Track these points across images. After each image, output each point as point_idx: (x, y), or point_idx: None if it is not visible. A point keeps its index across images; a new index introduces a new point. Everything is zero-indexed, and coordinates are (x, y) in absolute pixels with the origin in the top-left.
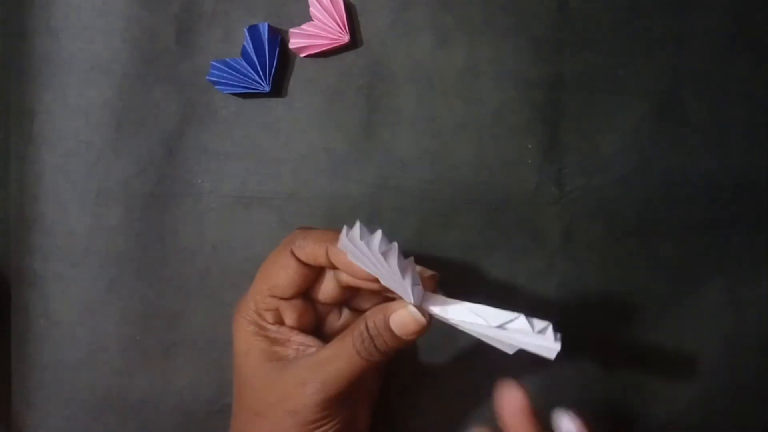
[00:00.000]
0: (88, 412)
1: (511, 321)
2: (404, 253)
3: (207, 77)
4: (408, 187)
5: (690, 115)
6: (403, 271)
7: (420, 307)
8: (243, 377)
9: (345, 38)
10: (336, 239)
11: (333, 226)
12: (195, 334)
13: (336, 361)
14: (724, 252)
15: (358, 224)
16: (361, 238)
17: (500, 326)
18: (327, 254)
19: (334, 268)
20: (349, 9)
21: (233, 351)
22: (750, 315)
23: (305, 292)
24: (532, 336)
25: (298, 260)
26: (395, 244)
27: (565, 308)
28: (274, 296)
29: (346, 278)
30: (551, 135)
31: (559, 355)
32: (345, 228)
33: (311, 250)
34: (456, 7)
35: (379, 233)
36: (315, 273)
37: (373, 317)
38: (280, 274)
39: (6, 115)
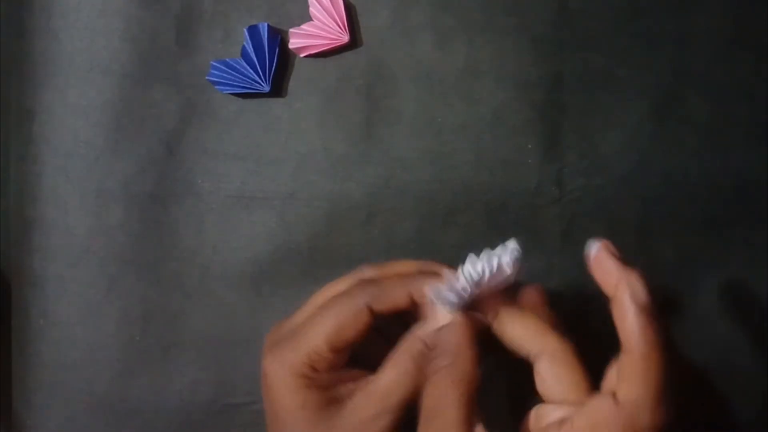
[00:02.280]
0: (88, 412)
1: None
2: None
3: (207, 77)
4: (408, 187)
5: (690, 114)
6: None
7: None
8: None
9: (345, 38)
10: (412, 281)
11: (333, 226)
12: (195, 334)
13: (399, 386)
14: (723, 252)
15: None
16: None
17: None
18: (409, 298)
19: (411, 307)
20: (349, 9)
21: (274, 404)
22: (750, 315)
23: None
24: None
25: (372, 314)
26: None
27: (566, 308)
28: (333, 348)
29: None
30: (551, 135)
31: None
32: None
33: (392, 300)
34: (456, 7)
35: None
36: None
37: (427, 333)
38: (349, 327)
39: (6, 115)
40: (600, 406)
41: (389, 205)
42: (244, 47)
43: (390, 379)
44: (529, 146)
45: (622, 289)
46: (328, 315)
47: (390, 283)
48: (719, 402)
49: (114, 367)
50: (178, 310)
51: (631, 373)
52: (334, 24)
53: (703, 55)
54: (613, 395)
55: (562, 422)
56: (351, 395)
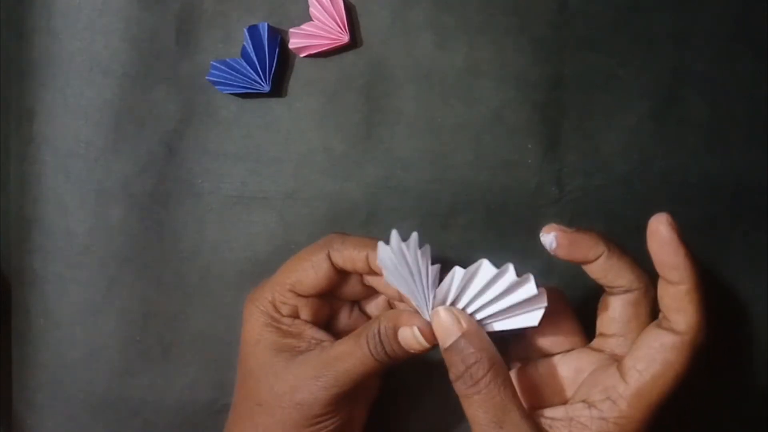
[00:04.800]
0: (88, 412)
1: (502, 275)
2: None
3: (207, 77)
4: (408, 187)
5: (690, 115)
6: (431, 281)
7: (429, 326)
8: (249, 367)
9: (345, 38)
10: (373, 245)
11: (333, 226)
12: (195, 334)
13: (350, 357)
14: (723, 252)
15: (395, 232)
16: (398, 244)
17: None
18: (367, 260)
19: (370, 274)
20: (349, 9)
21: (241, 339)
22: (750, 315)
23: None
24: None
25: (332, 264)
26: (427, 246)
27: None
28: (294, 292)
29: (372, 280)
30: (551, 135)
31: None
32: (381, 243)
33: (349, 254)
34: (456, 7)
35: (414, 235)
36: (342, 277)
37: (386, 323)
38: (308, 273)
39: (6, 115)
40: (658, 338)
41: (389, 205)
42: (244, 47)
43: (341, 350)
44: (529, 146)
45: (669, 225)
46: (294, 260)
47: (353, 240)
48: (719, 401)
49: (114, 367)
50: (178, 310)
51: (685, 303)
52: (334, 24)
53: (703, 55)
54: (662, 327)
55: (616, 356)
56: (305, 351)
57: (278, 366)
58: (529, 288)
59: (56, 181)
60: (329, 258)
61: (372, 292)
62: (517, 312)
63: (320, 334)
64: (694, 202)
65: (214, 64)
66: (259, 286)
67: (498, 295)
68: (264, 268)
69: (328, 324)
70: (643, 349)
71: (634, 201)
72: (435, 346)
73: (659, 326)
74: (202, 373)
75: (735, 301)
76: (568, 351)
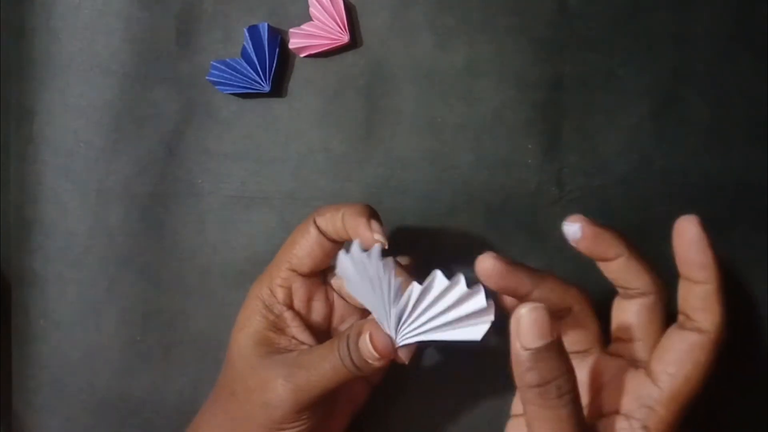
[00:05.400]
0: (88, 412)
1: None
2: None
3: (207, 77)
4: (408, 187)
5: (690, 115)
6: (393, 294)
7: (393, 341)
8: (232, 351)
9: (345, 38)
10: (351, 210)
11: None
12: (195, 334)
13: (322, 364)
14: (724, 252)
15: (356, 242)
16: (359, 254)
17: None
18: (343, 221)
19: (348, 238)
20: (349, 9)
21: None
22: (750, 315)
23: (322, 272)
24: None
25: (319, 230)
26: (390, 259)
27: None
28: (292, 269)
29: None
30: (551, 135)
31: None
32: (341, 252)
33: (330, 216)
34: (456, 7)
35: (377, 247)
36: (334, 248)
37: (354, 330)
38: (301, 242)
39: (6, 115)
40: (685, 339)
41: (389, 205)
42: (244, 47)
43: (315, 354)
44: (529, 146)
45: (698, 225)
46: (288, 239)
47: (335, 204)
48: (719, 401)
49: (114, 367)
50: (178, 310)
51: (712, 302)
52: (334, 24)
53: (703, 55)
54: (686, 328)
55: (635, 361)
56: (283, 351)
57: (254, 359)
58: (478, 300)
59: (56, 181)
60: (315, 224)
61: None
62: (462, 324)
63: (303, 336)
64: (694, 202)
65: (214, 64)
66: (264, 271)
67: (447, 306)
68: (264, 269)
69: (329, 331)
70: (671, 352)
71: (634, 201)
72: (390, 362)
73: (683, 328)
74: (202, 373)
75: (735, 301)
76: (584, 352)
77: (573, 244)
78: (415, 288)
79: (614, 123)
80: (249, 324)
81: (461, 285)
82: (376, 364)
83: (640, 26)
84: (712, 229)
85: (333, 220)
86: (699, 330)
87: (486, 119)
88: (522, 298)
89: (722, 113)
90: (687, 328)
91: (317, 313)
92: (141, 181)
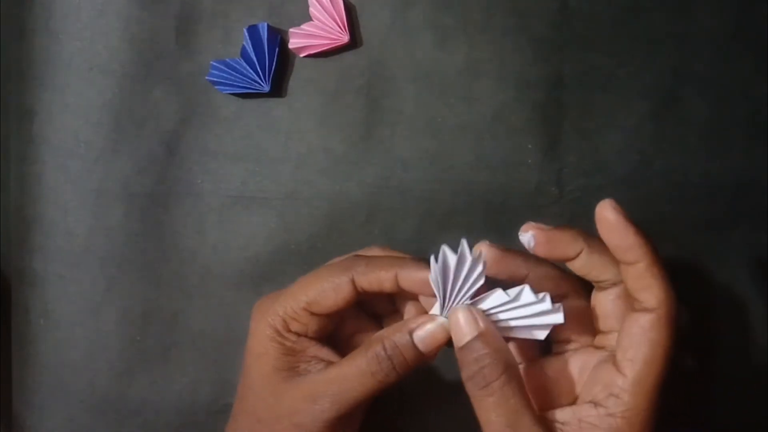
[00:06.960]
0: (88, 412)
1: (518, 295)
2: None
3: (207, 77)
4: (408, 187)
5: (690, 115)
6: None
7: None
8: (251, 379)
9: (345, 38)
10: (401, 264)
11: (333, 226)
12: (195, 334)
13: (348, 381)
14: (724, 252)
15: (464, 243)
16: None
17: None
18: (395, 279)
19: (396, 291)
20: (349, 9)
21: (246, 348)
22: (750, 315)
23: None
24: (537, 306)
25: (354, 287)
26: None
27: None
28: (309, 311)
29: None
30: (551, 135)
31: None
32: (437, 254)
33: (376, 277)
34: (456, 7)
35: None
36: (360, 296)
37: (392, 336)
38: (328, 294)
39: (6, 115)
40: (636, 321)
41: (389, 205)
42: (244, 47)
43: (338, 372)
44: (529, 146)
45: (614, 209)
46: (313, 278)
47: (378, 262)
48: (720, 401)
49: (114, 367)
50: (178, 310)
51: (648, 279)
52: (334, 24)
53: (703, 55)
54: (635, 310)
55: (613, 353)
56: (305, 372)
57: (277, 385)
58: (557, 317)
59: (56, 181)
60: (352, 282)
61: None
62: (529, 324)
63: (322, 353)
64: (694, 202)
65: (214, 64)
66: (270, 297)
67: (525, 315)
68: (264, 268)
69: (348, 340)
70: (627, 338)
71: (634, 201)
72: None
73: (634, 311)
74: (202, 373)
75: (735, 301)
76: (577, 344)
77: (531, 252)
78: (499, 292)
79: (614, 123)
80: (266, 352)
81: (546, 303)
82: (441, 342)
83: (640, 26)
84: (712, 229)
85: (380, 281)
86: (646, 309)
87: (486, 119)
88: (520, 281)
89: (722, 113)
90: (636, 309)
91: (332, 328)
92: (141, 181)
